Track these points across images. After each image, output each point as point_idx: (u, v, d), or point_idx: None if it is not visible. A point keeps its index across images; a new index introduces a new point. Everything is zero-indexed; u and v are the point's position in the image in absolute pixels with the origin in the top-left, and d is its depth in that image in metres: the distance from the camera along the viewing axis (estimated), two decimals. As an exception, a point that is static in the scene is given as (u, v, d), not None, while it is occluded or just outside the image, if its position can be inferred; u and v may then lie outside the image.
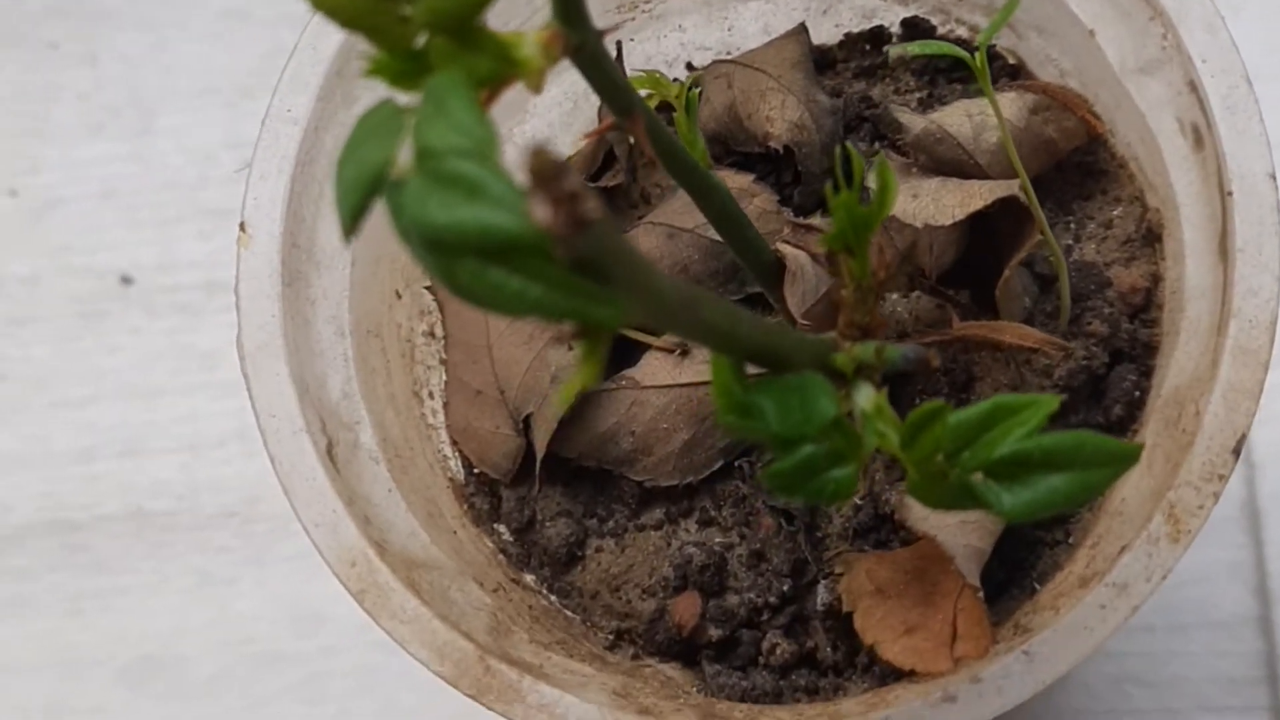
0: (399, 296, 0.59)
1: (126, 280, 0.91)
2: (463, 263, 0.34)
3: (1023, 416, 0.41)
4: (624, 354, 0.59)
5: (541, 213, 0.32)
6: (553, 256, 0.34)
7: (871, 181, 0.50)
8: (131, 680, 0.85)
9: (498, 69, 0.38)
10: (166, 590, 0.86)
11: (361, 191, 0.36)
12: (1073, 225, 0.57)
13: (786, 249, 0.54)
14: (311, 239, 0.54)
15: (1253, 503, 0.79)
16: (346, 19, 0.36)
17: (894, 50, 0.52)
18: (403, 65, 0.37)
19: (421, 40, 0.37)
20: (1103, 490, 0.40)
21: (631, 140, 0.62)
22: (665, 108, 0.55)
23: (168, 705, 0.84)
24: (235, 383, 0.88)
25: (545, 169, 0.32)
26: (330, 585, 0.85)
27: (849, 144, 0.53)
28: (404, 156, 0.35)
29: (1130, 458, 0.41)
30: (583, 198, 0.32)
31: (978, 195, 0.51)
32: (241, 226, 0.53)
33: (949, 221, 0.51)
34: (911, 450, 0.42)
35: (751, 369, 0.42)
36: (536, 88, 0.40)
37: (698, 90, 0.51)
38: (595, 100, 0.63)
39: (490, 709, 0.48)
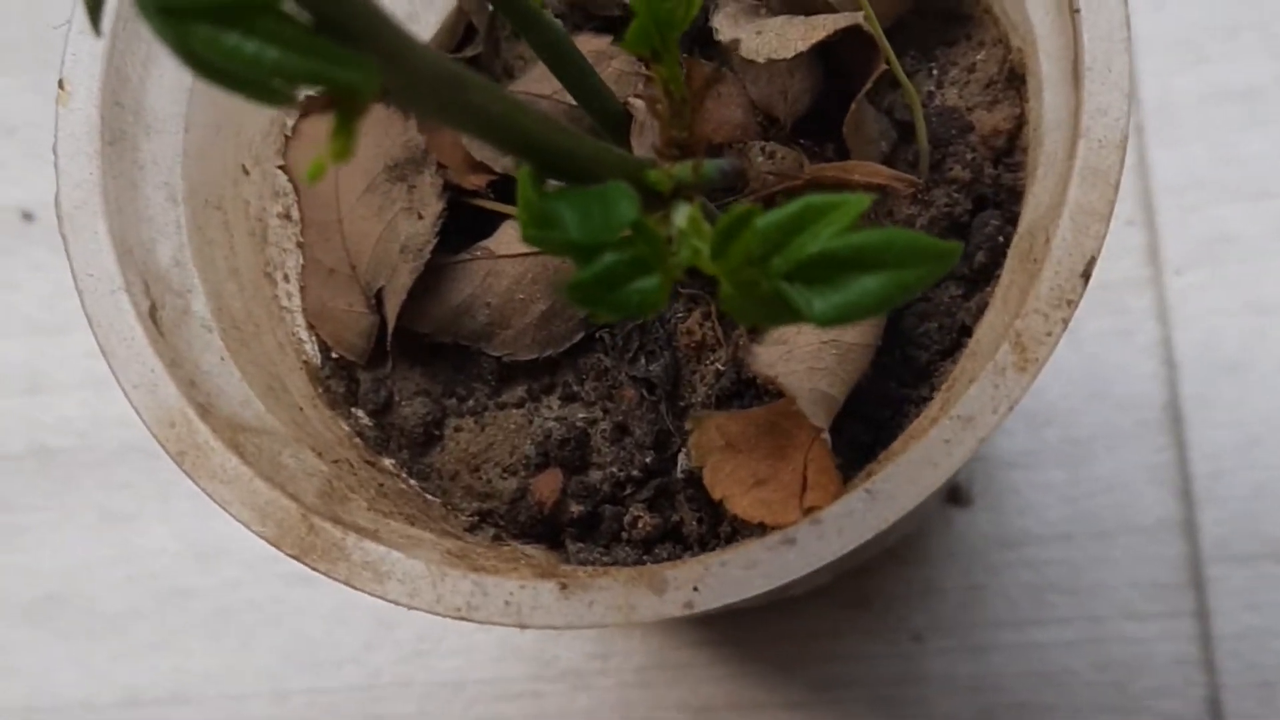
0: (246, 172, 0.57)
1: (28, 217, 0.89)
2: (196, 28, 0.32)
3: (832, 216, 0.39)
4: (482, 228, 0.56)
5: (259, -47, 0.30)
6: (290, 17, 0.32)
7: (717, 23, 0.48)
8: (36, 618, 0.83)
9: None
10: (69, 527, 0.84)
11: (96, -36, 0.34)
12: (935, 71, 0.55)
13: (634, 101, 0.52)
14: (139, 100, 0.52)
15: (1174, 405, 0.76)
16: None
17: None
18: None
19: None
20: (917, 290, 0.38)
21: (491, 9, 0.60)
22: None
23: (73, 643, 0.82)
24: (141, 317, 0.87)
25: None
26: (233, 521, 0.83)
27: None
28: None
29: (946, 255, 0.38)
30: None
31: (820, 27, 0.49)
32: (60, 84, 0.50)
33: (790, 54, 0.49)
34: (722, 261, 0.39)
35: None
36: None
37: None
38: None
39: (314, 569, 0.46)
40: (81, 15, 0.51)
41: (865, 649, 0.76)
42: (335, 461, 0.52)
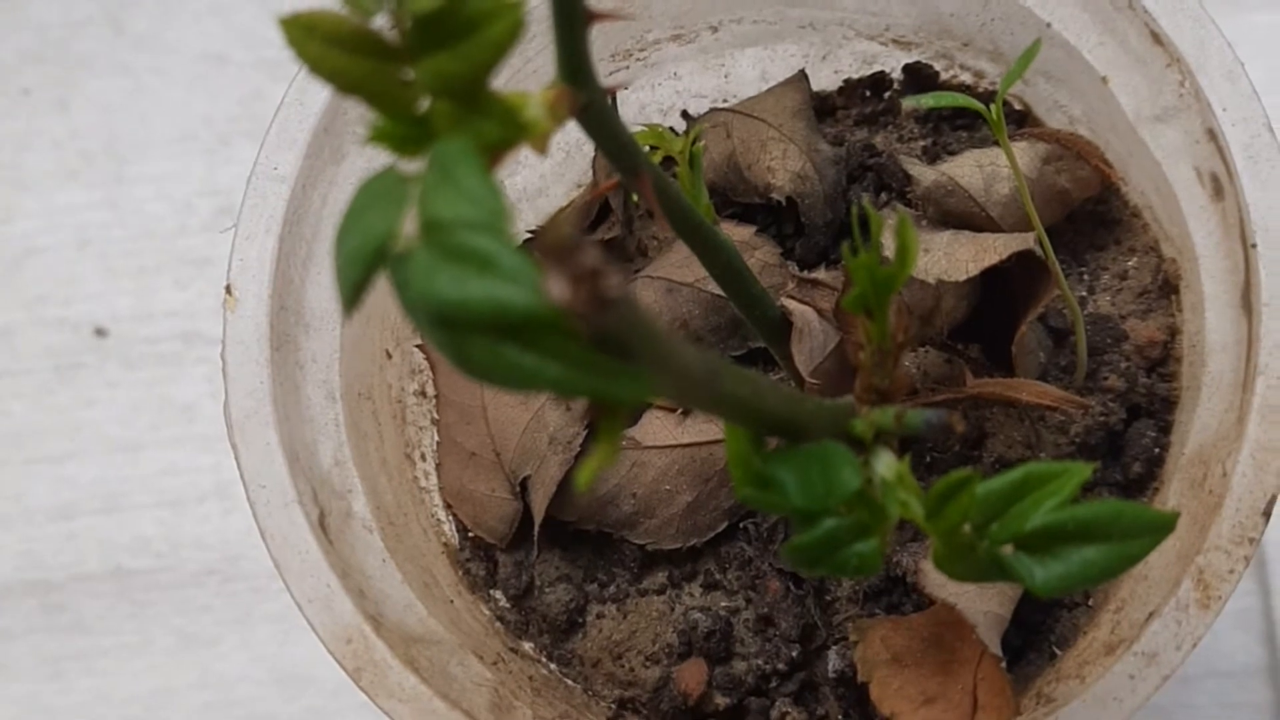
0: (389, 356, 0.57)
1: (101, 332, 0.89)
2: (474, 340, 0.32)
3: (1054, 486, 0.39)
4: (623, 412, 0.57)
5: (559, 290, 0.30)
6: (570, 333, 0.32)
7: (886, 239, 0.48)
8: (113, 745, 0.83)
9: (505, 133, 0.36)
10: (148, 651, 0.84)
11: (364, 264, 0.34)
12: (1086, 276, 0.56)
13: (792, 305, 0.52)
14: (300, 300, 0.52)
15: (1260, 550, 0.77)
16: (346, 84, 0.34)
17: (907, 103, 0.50)
18: (405, 131, 0.35)
19: (424, 104, 0.35)
20: (1138, 561, 0.39)
21: (630, 194, 0.60)
22: (666, 160, 0.53)
23: (151, 770, 0.82)
24: (215, 436, 0.86)
25: (561, 244, 0.30)
26: (314, 645, 0.83)
27: (865, 202, 0.51)
28: (408, 227, 0.33)
29: (1166, 527, 0.39)
30: (604, 274, 0.30)
31: (992, 249, 0.50)
32: (228, 289, 0.51)
33: (963, 277, 0.49)
34: (937, 521, 0.40)
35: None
36: (542, 149, 0.38)
37: (702, 144, 0.49)
38: (588, 150, 0.62)
39: (495, 790, 0.46)
40: (250, 220, 0.51)
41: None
42: (494, 663, 0.52)
